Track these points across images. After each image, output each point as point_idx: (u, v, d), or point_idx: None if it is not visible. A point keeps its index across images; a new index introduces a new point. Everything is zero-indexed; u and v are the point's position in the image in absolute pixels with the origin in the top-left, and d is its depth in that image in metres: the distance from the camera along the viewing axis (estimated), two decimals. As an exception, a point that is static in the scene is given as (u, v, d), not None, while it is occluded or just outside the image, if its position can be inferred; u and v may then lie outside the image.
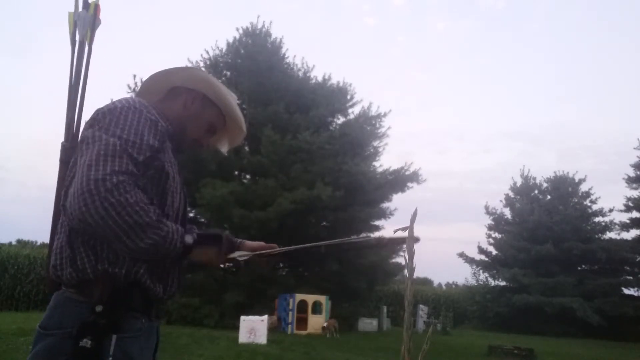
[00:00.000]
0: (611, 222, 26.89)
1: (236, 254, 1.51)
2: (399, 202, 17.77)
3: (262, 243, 1.61)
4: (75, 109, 1.66)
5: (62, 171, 1.51)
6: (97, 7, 1.73)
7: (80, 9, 1.71)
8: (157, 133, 1.35)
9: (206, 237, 1.44)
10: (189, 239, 1.34)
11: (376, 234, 1.57)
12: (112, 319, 1.26)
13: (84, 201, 1.17)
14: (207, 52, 17.86)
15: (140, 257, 1.28)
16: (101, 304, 1.26)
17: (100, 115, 1.33)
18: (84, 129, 1.36)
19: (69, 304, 1.29)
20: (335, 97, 17.62)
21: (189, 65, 16.73)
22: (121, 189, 1.18)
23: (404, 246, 1.01)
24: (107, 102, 1.49)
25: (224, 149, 1.72)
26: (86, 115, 1.48)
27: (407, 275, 0.94)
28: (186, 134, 1.54)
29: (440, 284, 43.03)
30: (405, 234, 1.20)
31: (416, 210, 0.95)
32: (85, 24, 1.68)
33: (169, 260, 1.36)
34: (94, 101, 1.52)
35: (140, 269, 1.31)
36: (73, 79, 1.65)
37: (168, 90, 1.59)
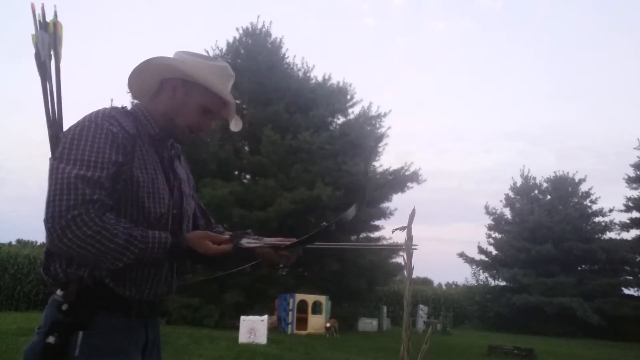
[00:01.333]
0: (611, 222, 26.93)
1: (243, 241, 1.45)
2: (399, 202, 17.79)
3: (280, 237, 1.54)
4: (53, 126, 1.70)
5: None
6: (55, 25, 1.73)
7: (38, 29, 1.70)
8: (119, 146, 1.34)
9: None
10: (168, 239, 1.35)
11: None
12: (77, 316, 1.31)
13: (49, 238, 1.24)
14: (207, 52, 17.85)
15: (125, 268, 1.33)
16: (67, 303, 1.32)
17: (64, 138, 1.34)
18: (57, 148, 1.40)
19: (52, 303, 1.37)
20: (335, 97, 17.62)
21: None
22: (78, 222, 1.22)
23: (404, 246, 1.01)
24: (108, 104, 1.49)
25: (231, 126, 1.65)
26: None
27: (406, 275, 0.95)
28: (176, 125, 1.49)
29: (440, 284, 43.07)
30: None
31: (414, 210, 0.95)
32: (45, 45, 1.68)
33: (156, 262, 1.40)
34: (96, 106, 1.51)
35: (102, 272, 1.34)
36: (47, 98, 1.68)
37: (157, 85, 1.54)
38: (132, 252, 1.29)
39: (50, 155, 1.61)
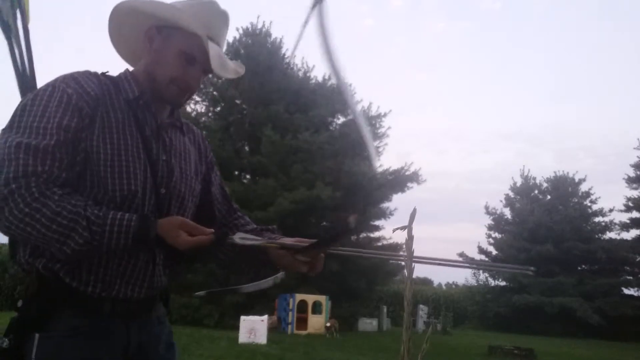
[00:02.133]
0: (611, 222, 26.91)
1: (236, 236, 1.19)
2: (398, 202, 17.79)
3: (298, 238, 1.27)
4: (24, 93, 1.41)
5: None
6: None
7: None
8: (75, 107, 1.11)
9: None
10: (132, 222, 1.09)
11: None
12: (32, 315, 1.11)
13: None
14: (207, 52, 17.85)
15: (80, 257, 1.11)
16: (22, 299, 1.14)
17: (15, 110, 1.14)
18: None
19: None
20: (335, 97, 17.61)
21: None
22: (16, 198, 1.01)
23: (404, 246, 1.01)
24: None
25: (220, 71, 1.25)
26: None
27: (407, 275, 0.94)
28: (157, 80, 1.23)
29: (440, 284, 43.05)
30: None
31: (415, 210, 0.95)
32: (6, 2, 1.45)
33: (120, 251, 1.13)
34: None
35: (56, 264, 1.12)
36: (17, 64, 1.44)
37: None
38: (80, 236, 1.04)
39: None
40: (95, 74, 1.22)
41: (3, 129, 1.10)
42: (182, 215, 1.26)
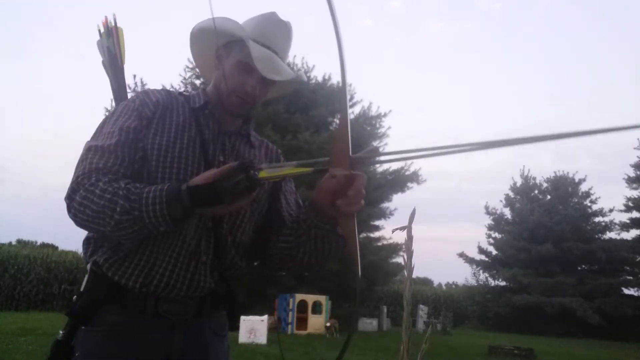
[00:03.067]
0: (611, 222, 26.89)
1: (264, 165, 1.15)
2: (398, 202, 17.79)
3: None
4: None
5: None
6: (116, 29, 1.76)
7: (101, 37, 1.75)
8: (135, 111, 1.23)
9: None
10: (164, 185, 1.11)
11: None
12: (83, 309, 1.18)
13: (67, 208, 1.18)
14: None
15: (135, 236, 1.13)
16: (76, 294, 1.22)
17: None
18: None
19: None
20: (335, 97, 17.62)
21: (189, 64, 16.72)
22: (77, 188, 1.14)
23: (404, 246, 1.01)
24: None
25: (268, 73, 1.26)
26: None
27: (406, 275, 0.95)
28: (221, 92, 1.30)
29: (440, 284, 43.06)
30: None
31: (414, 210, 0.95)
32: (104, 48, 1.73)
33: (164, 228, 1.11)
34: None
35: (101, 258, 1.20)
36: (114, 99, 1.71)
37: None
38: (121, 206, 1.07)
39: None
40: (169, 90, 1.35)
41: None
42: (237, 219, 1.29)
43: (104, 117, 1.31)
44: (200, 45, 1.37)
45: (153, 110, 1.25)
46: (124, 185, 1.11)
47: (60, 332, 1.19)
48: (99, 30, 1.74)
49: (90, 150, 1.19)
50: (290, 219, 1.36)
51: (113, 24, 1.74)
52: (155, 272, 1.19)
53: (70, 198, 1.15)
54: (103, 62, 1.71)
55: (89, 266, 1.23)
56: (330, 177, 1.13)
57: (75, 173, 1.17)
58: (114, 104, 1.60)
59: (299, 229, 1.28)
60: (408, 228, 0.95)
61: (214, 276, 1.27)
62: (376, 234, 18.07)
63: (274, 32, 1.31)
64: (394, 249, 17.27)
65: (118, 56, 1.71)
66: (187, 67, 17.32)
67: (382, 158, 1.34)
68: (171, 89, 1.39)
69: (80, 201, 1.12)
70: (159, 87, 1.38)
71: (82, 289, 1.21)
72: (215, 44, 1.31)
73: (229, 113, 1.32)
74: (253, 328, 10.50)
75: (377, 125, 17.45)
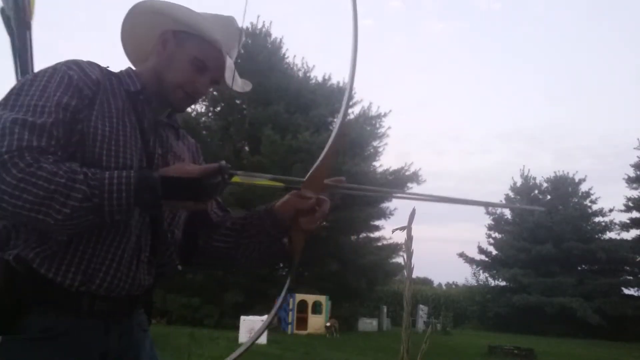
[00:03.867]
0: (611, 222, 26.90)
1: (239, 172, 1.19)
2: (399, 202, 17.83)
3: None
4: None
5: None
6: None
7: None
8: (75, 89, 1.08)
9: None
10: (131, 172, 1.03)
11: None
12: (2, 315, 1.00)
13: None
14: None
15: (81, 228, 1.01)
16: None
17: (10, 90, 1.08)
18: None
19: None
20: (335, 97, 17.63)
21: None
22: (9, 167, 0.93)
23: (404, 246, 1.01)
24: None
25: (235, 85, 1.29)
26: None
27: (406, 275, 0.95)
28: (165, 82, 1.22)
29: (440, 284, 43.05)
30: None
31: (414, 210, 0.95)
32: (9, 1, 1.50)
33: (125, 217, 1.04)
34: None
35: (31, 253, 1.03)
36: (17, 59, 1.47)
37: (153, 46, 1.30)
38: (79, 191, 0.95)
39: None
40: (97, 64, 1.20)
41: (1, 104, 1.05)
42: (174, 213, 1.24)
43: (22, 79, 1.12)
44: (143, 26, 1.27)
45: (94, 90, 1.12)
46: (79, 169, 0.99)
47: None
48: None
49: (17, 123, 0.98)
50: (219, 218, 1.35)
51: None
52: (97, 269, 1.08)
53: None
54: (3, 11, 1.46)
55: (2, 260, 1.04)
56: (302, 197, 1.19)
57: None
58: (17, 67, 1.39)
59: (243, 232, 1.29)
60: (408, 228, 0.95)
61: (152, 274, 1.21)
62: (376, 234, 18.11)
63: (234, 40, 1.29)
64: (394, 249, 17.28)
65: (26, 7, 1.48)
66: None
67: (360, 190, 1.44)
68: (99, 64, 1.21)
69: (14, 183, 0.93)
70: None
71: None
72: (161, 27, 1.25)
73: (171, 106, 1.28)
74: (253, 328, 10.50)
75: (377, 125, 17.48)
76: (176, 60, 1.22)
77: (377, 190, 1.37)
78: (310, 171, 1.17)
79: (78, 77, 1.09)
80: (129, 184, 0.99)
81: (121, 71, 1.24)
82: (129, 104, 1.18)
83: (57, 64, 1.12)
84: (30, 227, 1.03)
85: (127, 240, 1.12)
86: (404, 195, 1.18)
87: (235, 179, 1.16)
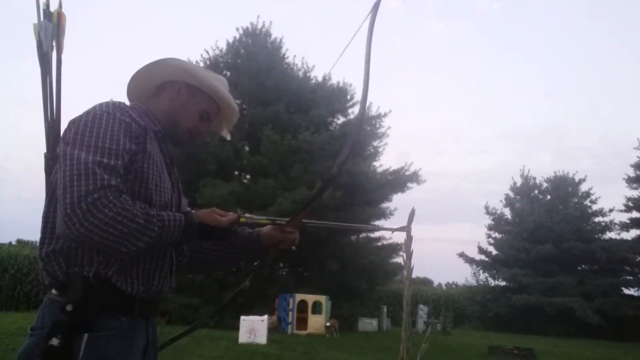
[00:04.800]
0: (611, 222, 26.89)
1: (246, 215, 1.58)
2: (399, 202, 17.80)
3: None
4: (51, 120, 1.64)
5: (47, 182, 1.49)
6: (59, 15, 1.68)
7: (41, 19, 1.66)
8: (132, 135, 1.35)
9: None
10: (182, 216, 1.37)
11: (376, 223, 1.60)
12: (82, 317, 1.27)
13: (66, 224, 1.20)
14: (207, 52, 17.88)
15: (140, 254, 1.32)
16: (71, 303, 1.27)
17: (70, 127, 1.33)
18: (61, 139, 1.38)
19: (50, 304, 1.32)
20: (335, 97, 17.62)
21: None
22: (98, 205, 1.20)
23: (403, 246, 1.01)
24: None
25: (224, 133, 1.72)
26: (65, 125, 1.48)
27: (406, 275, 0.95)
28: (179, 125, 1.54)
29: (440, 284, 43.03)
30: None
31: (413, 210, 0.95)
32: (47, 35, 1.64)
33: (173, 246, 1.42)
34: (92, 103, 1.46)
35: (109, 271, 1.31)
36: (46, 90, 1.63)
37: (155, 88, 1.59)
38: (153, 231, 1.27)
39: (45, 151, 1.59)
40: (131, 105, 1.48)
41: (66, 144, 1.29)
42: None
43: (82, 119, 1.34)
44: (160, 74, 1.55)
45: (143, 135, 1.38)
46: (153, 213, 1.29)
47: (55, 338, 1.24)
48: (42, 10, 1.63)
49: (96, 164, 1.24)
50: None
51: (59, 8, 1.65)
52: (151, 280, 1.40)
53: (82, 211, 1.19)
54: (39, 48, 1.60)
55: (79, 278, 1.30)
56: (284, 232, 1.67)
57: (79, 184, 1.21)
58: (47, 104, 1.61)
59: (230, 248, 1.72)
60: (407, 228, 0.96)
61: (174, 280, 1.55)
62: (376, 234, 18.09)
63: (230, 97, 1.64)
64: (394, 249, 17.28)
65: (61, 44, 1.63)
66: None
67: (326, 225, 2.03)
68: (132, 105, 1.49)
69: (106, 220, 1.20)
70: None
71: (74, 298, 1.28)
72: (182, 81, 1.55)
73: (176, 143, 1.58)
74: (253, 328, 10.50)
75: (377, 125, 17.46)
76: (188, 109, 1.55)
77: (341, 226, 1.72)
78: (295, 215, 1.61)
79: (135, 124, 1.37)
80: (180, 227, 1.34)
81: (141, 109, 1.50)
82: (159, 144, 1.48)
83: (107, 107, 1.36)
84: (96, 249, 1.30)
85: (165, 257, 1.45)
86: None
87: (242, 219, 1.55)
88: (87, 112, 1.35)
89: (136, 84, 1.58)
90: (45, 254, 1.32)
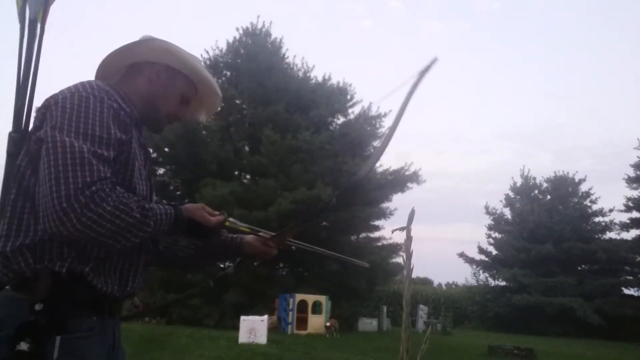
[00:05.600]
0: (611, 222, 26.90)
1: (230, 219, 1.55)
2: (399, 202, 17.80)
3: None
4: (25, 96, 1.43)
5: (9, 165, 1.31)
6: None
7: None
8: (121, 123, 1.25)
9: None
10: (171, 210, 1.32)
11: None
12: (54, 317, 1.15)
13: (59, 220, 1.09)
14: (207, 52, 17.88)
15: (121, 247, 1.23)
16: (41, 302, 1.14)
17: (54, 107, 1.19)
18: (36, 117, 1.25)
19: (10, 303, 1.18)
20: (335, 97, 17.62)
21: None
22: (96, 199, 1.10)
23: (403, 246, 1.01)
24: None
25: (203, 118, 1.64)
26: (38, 102, 1.33)
27: (405, 275, 0.95)
28: (158, 110, 1.44)
29: (440, 284, 43.03)
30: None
31: (413, 210, 0.96)
32: (38, 1, 1.46)
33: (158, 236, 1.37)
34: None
35: (85, 267, 1.20)
36: (23, 62, 1.44)
37: (126, 69, 1.45)
38: (149, 225, 1.21)
39: (11, 130, 1.37)
40: (116, 91, 1.34)
41: (52, 127, 1.16)
42: None
43: (66, 101, 1.22)
44: (140, 53, 1.43)
45: (129, 124, 1.30)
46: (148, 206, 1.23)
47: (24, 342, 1.10)
48: None
49: (92, 155, 1.14)
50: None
51: None
52: (126, 277, 1.32)
53: (81, 205, 1.09)
54: (21, 13, 1.44)
55: (48, 273, 1.17)
56: (267, 245, 1.64)
57: (75, 175, 1.11)
58: (20, 72, 1.42)
59: (205, 248, 1.65)
60: (407, 229, 0.96)
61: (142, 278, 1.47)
62: (376, 234, 18.09)
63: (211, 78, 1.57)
64: (394, 249, 17.27)
65: (47, 14, 1.47)
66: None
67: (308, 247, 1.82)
68: (106, 85, 1.32)
69: (103, 214, 1.11)
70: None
71: (42, 296, 1.16)
72: (161, 63, 1.44)
73: (153, 128, 1.49)
74: (253, 328, 10.50)
75: (377, 125, 17.45)
76: (168, 93, 1.45)
77: (318, 250, 1.79)
78: (281, 232, 1.61)
79: (123, 113, 1.28)
80: (170, 221, 1.29)
81: (116, 90, 1.34)
82: (137, 129, 1.38)
83: (91, 89, 1.24)
84: (68, 242, 1.19)
85: (140, 255, 1.36)
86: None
87: (227, 223, 1.54)
88: (71, 92, 1.22)
89: (108, 63, 1.44)
90: (10, 250, 1.18)
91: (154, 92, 1.43)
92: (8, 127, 1.40)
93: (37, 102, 1.35)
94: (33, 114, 1.33)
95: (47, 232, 1.13)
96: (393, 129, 1.37)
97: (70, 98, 1.21)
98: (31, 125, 1.29)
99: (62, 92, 1.24)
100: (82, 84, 1.26)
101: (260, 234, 1.65)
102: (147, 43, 1.42)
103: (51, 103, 1.21)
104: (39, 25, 1.48)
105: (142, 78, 1.42)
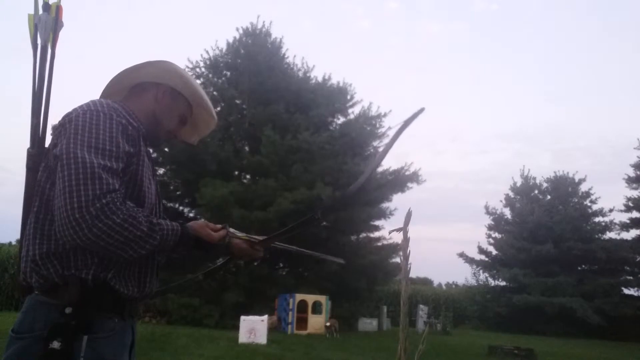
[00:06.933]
0: (611, 222, 26.88)
1: (230, 229, 1.63)
2: (398, 202, 17.79)
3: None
4: (39, 115, 1.59)
5: (29, 179, 1.45)
6: (58, 8, 1.65)
7: (40, 11, 1.63)
8: (129, 138, 1.37)
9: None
10: (179, 227, 1.41)
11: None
12: (82, 319, 1.28)
13: (73, 229, 1.20)
14: (207, 52, 17.88)
15: (132, 258, 1.34)
16: (70, 306, 1.28)
17: (68, 125, 1.32)
18: (53, 135, 1.37)
19: (40, 307, 1.30)
20: (335, 97, 17.61)
21: (187, 65, 16.78)
22: (107, 211, 1.21)
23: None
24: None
25: (193, 139, 1.77)
26: (53, 120, 1.47)
27: (403, 275, 0.95)
28: (161, 127, 1.57)
29: (440, 284, 43.05)
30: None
31: (410, 211, 0.96)
32: (46, 27, 1.61)
33: (170, 251, 1.43)
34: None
35: (108, 274, 1.33)
36: (36, 84, 1.58)
37: (131, 88, 1.58)
38: (155, 239, 1.31)
39: (29, 147, 1.52)
40: (125, 109, 1.45)
41: (67, 142, 1.28)
42: None
43: (79, 118, 1.33)
44: (149, 75, 1.55)
45: (137, 138, 1.40)
46: (155, 221, 1.32)
47: (56, 341, 1.23)
48: (42, 1, 1.60)
49: (101, 168, 1.25)
50: None
51: (58, 1, 1.61)
52: (144, 281, 1.44)
53: (91, 216, 1.20)
54: (34, 40, 1.58)
55: (75, 280, 1.30)
56: (254, 249, 1.68)
57: (86, 187, 1.21)
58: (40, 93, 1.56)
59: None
60: (404, 230, 0.96)
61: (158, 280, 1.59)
62: (376, 234, 18.09)
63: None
64: (394, 249, 17.26)
65: (56, 39, 1.60)
66: (187, 67, 17.34)
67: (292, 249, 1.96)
68: (116, 106, 1.42)
69: (113, 225, 1.22)
70: None
71: (72, 300, 1.28)
72: (166, 84, 1.57)
73: (155, 142, 1.60)
74: (253, 328, 10.50)
75: (377, 125, 17.44)
76: (171, 112, 1.59)
77: (302, 251, 1.89)
78: (269, 237, 1.70)
79: (132, 127, 1.39)
80: (176, 237, 1.38)
81: (124, 108, 1.45)
82: (145, 144, 1.48)
83: (101, 107, 1.36)
84: (90, 251, 1.30)
85: (154, 260, 1.48)
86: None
87: None
88: (83, 110, 1.34)
89: (115, 81, 1.58)
90: (39, 256, 1.31)
91: (159, 111, 1.56)
92: (27, 144, 1.55)
93: (52, 120, 1.48)
94: (49, 132, 1.49)
95: (63, 240, 1.24)
96: (376, 164, 1.59)
97: (82, 115, 1.33)
98: (49, 142, 1.41)
99: (75, 110, 1.36)
100: (93, 102, 1.39)
101: (252, 239, 1.74)
102: (156, 64, 1.55)
103: (66, 121, 1.34)
104: (49, 51, 1.62)
105: (148, 97, 1.56)
